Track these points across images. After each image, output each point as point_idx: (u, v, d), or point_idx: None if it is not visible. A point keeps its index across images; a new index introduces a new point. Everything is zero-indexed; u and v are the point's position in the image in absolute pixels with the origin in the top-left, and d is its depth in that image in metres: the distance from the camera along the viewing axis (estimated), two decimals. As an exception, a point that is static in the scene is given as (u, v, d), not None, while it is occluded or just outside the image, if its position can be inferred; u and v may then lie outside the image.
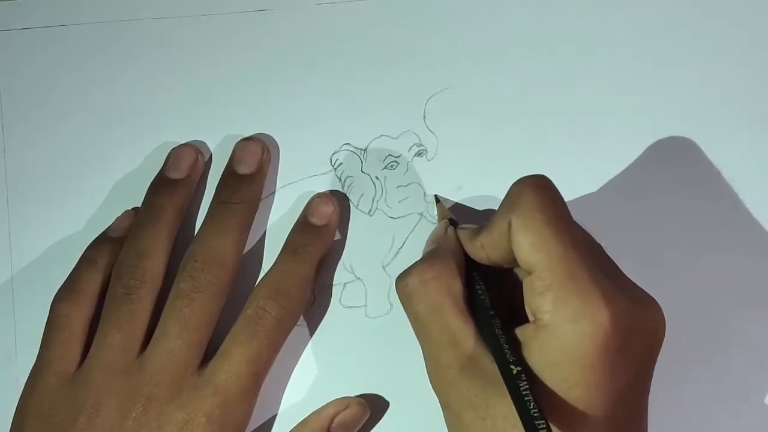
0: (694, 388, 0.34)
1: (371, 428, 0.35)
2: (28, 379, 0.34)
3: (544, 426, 0.26)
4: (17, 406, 0.34)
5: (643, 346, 0.29)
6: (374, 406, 0.35)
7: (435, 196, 0.36)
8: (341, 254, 0.37)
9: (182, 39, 0.38)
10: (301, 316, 0.36)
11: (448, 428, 0.31)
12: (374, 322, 0.36)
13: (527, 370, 0.28)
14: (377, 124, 0.37)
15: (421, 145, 0.37)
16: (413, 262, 0.35)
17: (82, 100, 0.38)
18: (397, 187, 0.37)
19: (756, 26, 0.37)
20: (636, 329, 0.28)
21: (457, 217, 0.35)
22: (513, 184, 0.30)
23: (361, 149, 0.37)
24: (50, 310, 0.35)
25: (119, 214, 0.37)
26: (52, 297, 0.35)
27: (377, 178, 0.37)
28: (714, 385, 0.35)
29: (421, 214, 0.36)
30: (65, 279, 0.35)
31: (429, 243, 0.34)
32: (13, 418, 0.34)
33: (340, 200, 0.37)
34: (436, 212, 0.36)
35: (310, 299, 0.36)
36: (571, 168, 0.36)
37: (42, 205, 0.38)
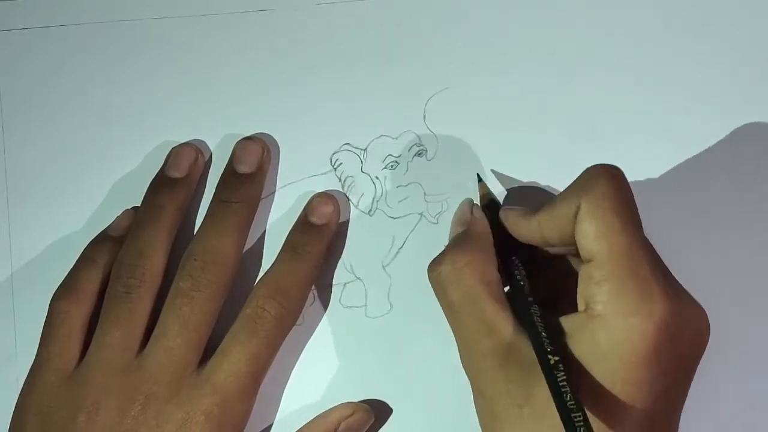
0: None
1: (372, 430, 0.35)
2: (27, 377, 0.34)
3: (581, 418, 0.25)
4: (16, 404, 0.34)
5: (689, 348, 0.29)
6: (374, 406, 0.35)
7: (477, 174, 0.36)
8: (341, 254, 0.37)
9: (182, 39, 0.38)
10: (301, 316, 0.36)
11: (477, 414, 0.31)
12: (374, 322, 0.36)
13: (572, 360, 0.28)
14: (377, 124, 0.37)
15: (421, 145, 0.37)
16: (413, 262, 0.35)
17: (82, 100, 0.38)
18: (397, 187, 0.37)
19: (756, 26, 0.37)
20: (685, 331, 0.28)
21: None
22: (586, 169, 0.30)
23: (361, 149, 0.37)
24: (49, 308, 0.35)
25: (119, 213, 0.37)
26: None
27: (377, 178, 0.37)
28: (713, 384, 0.35)
29: (421, 214, 0.36)
30: (65, 277, 0.35)
31: (455, 226, 0.34)
32: (13, 416, 0.34)
33: (340, 200, 0.37)
34: (477, 192, 0.36)
35: (310, 299, 0.36)
36: (571, 168, 0.36)
37: (42, 205, 0.38)
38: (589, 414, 0.26)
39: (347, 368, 0.36)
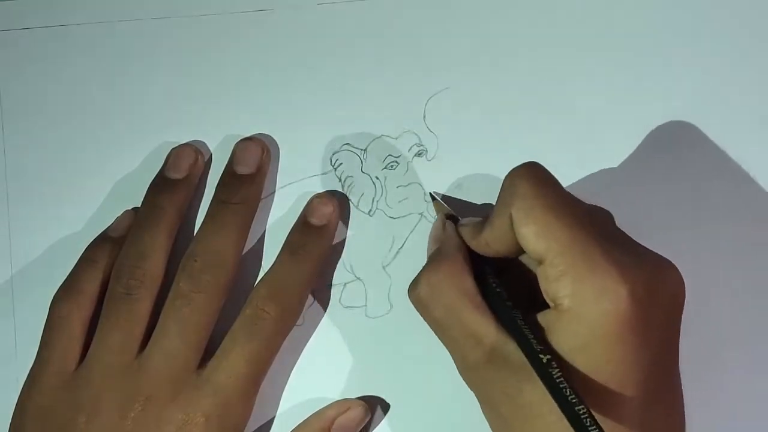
0: (694, 387, 0.33)
1: (371, 429, 0.35)
2: (27, 379, 0.34)
3: (585, 410, 0.26)
4: (16, 405, 0.34)
5: (666, 312, 0.29)
6: (374, 407, 0.35)
7: (430, 193, 0.36)
8: (341, 254, 0.37)
9: (182, 39, 0.38)
10: (301, 316, 0.36)
11: (488, 422, 0.31)
12: (374, 322, 0.36)
13: (555, 355, 0.28)
14: (377, 124, 0.37)
15: (421, 145, 0.37)
16: (414, 262, 0.35)
17: (82, 100, 0.38)
18: (397, 187, 0.37)
19: (757, 26, 0.37)
20: (657, 296, 0.28)
21: (457, 212, 0.35)
22: (506, 176, 0.30)
23: (361, 149, 0.37)
24: (49, 309, 0.35)
25: (119, 214, 0.37)
26: (52, 297, 0.35)
27: (377, 178, 0.37)
28: (714, 385, 0.35)
29: (421, 214, 0.36)
30: (65, 279, 0.35)
31: (430, 244, 0.34)
32: (12, 418, 0.34)
33: (340, 200, 0.37)
34: (434, 211, 0.36)
35: (310, 299, 0.36)
36: (571, 168, 0.36)
37: (42, 205, 0.38)
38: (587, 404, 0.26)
39: (347, 368, 0.36)
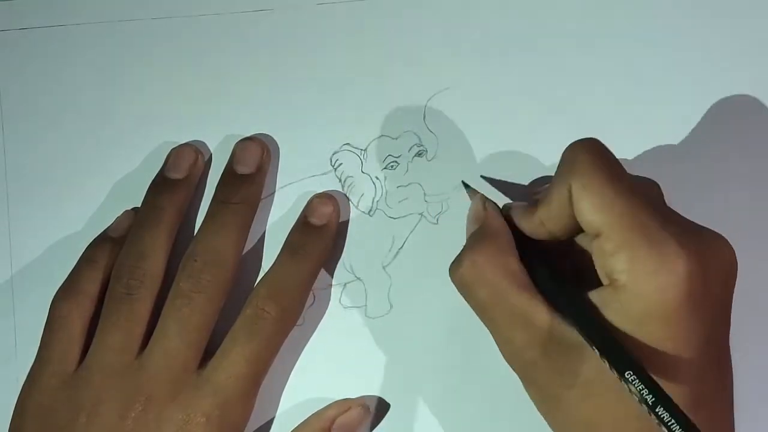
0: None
1: (371, 429, 0.35)
2: (26, 379, 0.34)
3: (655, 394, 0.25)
4: (16, 406, 0.34)
5: (720, 284, 0.29)
6: (374, 407, 0.35)
7: (462, 181, 0.36)
8: (341, 254, 0.37)
9: (182, 39, 0.38)
10: (301, 317, 0.36)
11: (536, 404, 0.31)
12: (374, 323, 0.36)
13: (613, 330, 0.28)
14: (377, 124, 0.37)
15: (421, 146, 0.37)
16: (413, 262, 0.35)
17: (82, 100, 0.38)
18: (397, 187, 0.37)
19: (757, 26, 0.37)
20: (712, 270, 0.28)
21: (455, 211, 0.35)
22: (566, 149, 0.30)
23: (361, 149, 0.37)
24: (50, 309, 0.35)
25: (119, 214, 0.37)
26: (52, 297, 0.35)
27: (377, 178, 0.37)
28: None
29: (421, 214, 0.36)
30: (65, 279, 0.35)
31: (470, 224, 0.33)
32: (12, 418, 0.34)
33: (340, 200, 0.37)
34: (467, 197, 0.36)
35: (310, 299, 0.36)
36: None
37: (42, 205, 0.38)
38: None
39: (347, 368, 0.36)
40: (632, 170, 0.36)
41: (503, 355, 0.31)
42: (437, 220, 0.36)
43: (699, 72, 0.37)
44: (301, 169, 0.37)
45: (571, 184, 0.29)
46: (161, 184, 0.36)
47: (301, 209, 0.36)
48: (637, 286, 0.27)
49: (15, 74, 0.38)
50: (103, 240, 0.36)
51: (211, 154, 0.38)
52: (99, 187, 0.38)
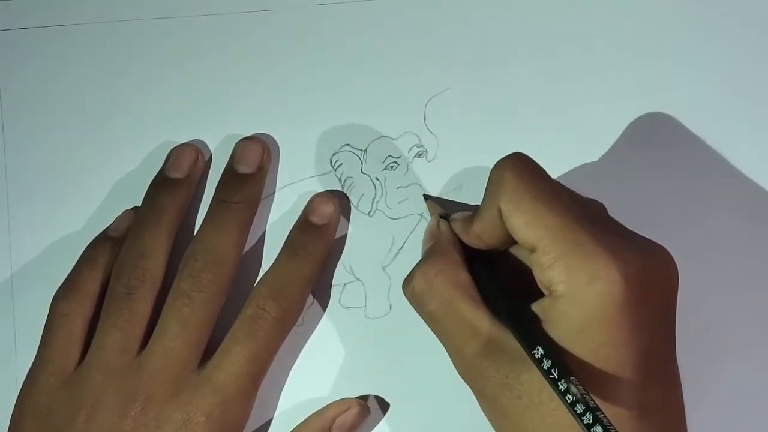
0: (693, 387, 0.34)
1: (371, 429, 0.35)
2: (26, 378, 0.34)
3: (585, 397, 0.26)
4: (15, 405, 0.34)
5: (659, 294, 0.29)
6: (374, 407, 0.35)
7: (423, 195, 0.36)
8: (341, 255, 0.37)
9: (182, 39, 0.38)
10: (301, 317, 0.36)
11: (486, 415, 0.31)
12: (374, 323, 0.36)
13: (552, 342, 0.28)
14: (377, 125, 0.37)
15: (421, 146, 0.37)
16: (414, 262, 0.35)
17: (82, 100, 0.38)
18: (397, 188, 0.37)
19: (758, 28, 0.37)
20: (650, 278, 0.28)
21: (452, 212, 0.35)
22: (492, 169, 0.30)
23: (361, 150, 0.37)
24: (50, 309, 0.35)
25: (119, 214, 0.37)
26: (52, 296, 0.35)
27: (377, 178, 0.37)
28: (714, 385, 0.35)
29: (420, 214, 0.37)
30: (65, 278, 0.35)
31: (425, 241, 0.34)
32: (12, 417, 0.34)
33: (340, 200, 0.37)
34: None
35: (310, 300, 0.36)
36: (571, 168, 0.36)
37: (42, 205, 0.38)
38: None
39: (347, 369, 0.36)
40: (632, 168, 0.36)
41: (455, 366, 0.31)
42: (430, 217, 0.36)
43: (700, 73, 0.37)
44: (301, 170, 0.37)
45: (500, 206, 0.29)
46: (161, 184, 0.36)
47: (302, 209, 0.36)
48: (575, 295, 0.28)
49: (15, 74, 0.38)
50: (103, 239, 0.36)
51: (211, 154, 0.38)
52: (99, 187, 0.38)
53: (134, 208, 0.37)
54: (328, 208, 0.36)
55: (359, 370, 0.36)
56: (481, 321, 0.30)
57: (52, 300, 0.35)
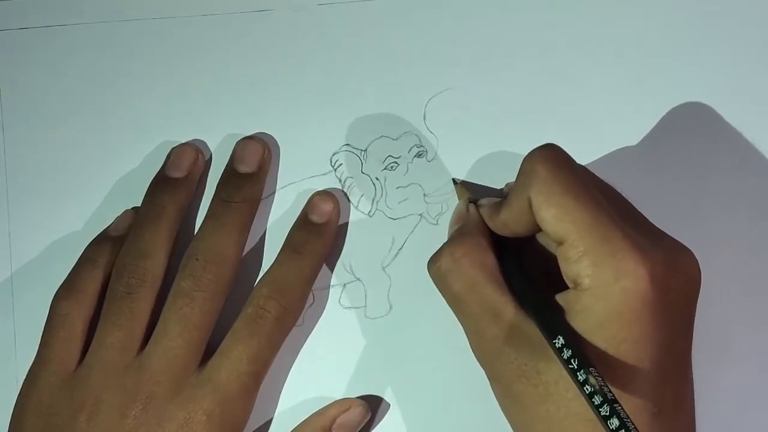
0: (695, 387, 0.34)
1: (371, 429, 0.35)
2: (26, 378, 0.34)
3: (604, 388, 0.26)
4: (15, 405, 0.34)
5: (682, 294, 0.29)
6: (374, 407, 0.35)
7: (453, 179, 0.36)
8: (341, 255, 0.37)
9: (182, 39, 0.38)
10: (301, 317, 0.36)
11: (498, 400, 0.31)
12: (374, 323, 0.36)
13: (574, 333, 0.28)
14: (377, 125, 0.37)
15: (422, 146, 0.37)
16: (414, 262, 0.35)
17: (82, 100, 0.38)
18: (397, 188, 0.37)
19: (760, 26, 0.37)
20: (674, 278, 0.29)
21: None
22: (524, 159, 0.30)
23: (361, 150, 0.37)
24: (50, 308, 0.35)
25: (119, 214, 0.37)
26: (52, 296, 0.35)
27: (377, 178, 0.37)
28: (715, 385, 0.35)
29: (420, 215, 0.37)
30: (65, 278, 0.35)
31: (452, 223, 0.34)
32: (12, 417, 0.34)
33: (340, 198, 0.37)
34: (456, 194, 0.36)
35: (310, 299, 0.36)
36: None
37: (42, 205, 0.38)
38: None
39: (347, 369, 0.36)
40: (632, 168, 0.36)
41: (473, 349, 0.32)
42: (437, 220, 0.36)
43: (700, 73, 0.37)
44: (301, 170, 0.37)
45: (530, 196, 0.29)
46: (162, 183, 0.36)
47: (301, 209, 0.36)
48: (600, 289, 0.28)
49: (15, 74, 0.38)
50: (103, 239, 0.36)
51: (211, 154, 0.38)
52: (99, 187, 0.38)
53: (135, 208, 0.37)
54: (327, 207, 0.36)
55: (359, 370, 0.36)
56: (505, 306, 0.30)
57: (53, 300, 0.35)
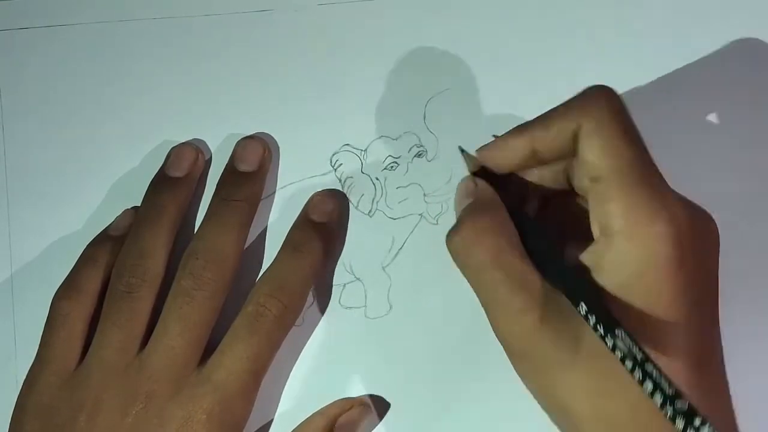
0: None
1: (371, 429, 0.35)
2: (26, 378, 0.34)
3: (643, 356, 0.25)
4: (16, 405, 0.34)
5: (708, 253, 0.29)
6: (374, 407, 0.35)
7: (459, 147, 0.35)
8: (341, 255, 0.37)
9: (182, 39, 0.38)
10: (301, 317, 0.36)
11: (524, 378, 0.30)
12: (374, 323, 0.36)
13: (601, 293, 0.28)
14: (377, 125, 0.37)
15: (421, 146, 0.37)
16: (413, 262, 0.35)
17: (82, 99, 0.38)
18: (397, 187, 0.37)
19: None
20: (701, 235, 0.28)
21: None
22: (583, 90, 0.30)
23: (361, 150, 0.37)
24: (50, 308, 0.35)
25: (119, 213, 0.37)
26: (52, 296, 0.35)
27: (377, 178, 0.37)
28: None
29: (420, 215, 0.37)
30: (65, 278, 0.35)
31: (460, 201, 0.33)
32: (12, 417, 0.34)
33: (340, 198, 0.37)
34: (464, 165, 0.35)
35: (310, 299, 0.36)
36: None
37: (42, 205, 0.38)
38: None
39: (347, 369, 0.36)
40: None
41: (495, 326, 0.30)
42: (437, 220, 0.36)
43: (700, 73, 0.37)
44: (302, 170, 0.37)
45: (582, 122, 0.29)
46: (162, 183, 0.36)
47: (301, 209, 0.36)
48: (633, 232, 0.27)
49: (15, 74, 0.38)
50: (103, 238, 0.36)
51: (211, 154, 0.38)
52: (99, 186, 0.38)
53: (135, 208, 0.37)
54: (328, 206, 0.36)
55: (359, 370, 0.36)
56: (532, 276, 0.29)
57: (53, 299, 0.35)
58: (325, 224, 0.36)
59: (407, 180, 0.37)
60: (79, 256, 0.36)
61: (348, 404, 0.35)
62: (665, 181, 0.29)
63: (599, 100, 0.29)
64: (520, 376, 0.30)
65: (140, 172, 0.37)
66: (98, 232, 0.37)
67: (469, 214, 0.31)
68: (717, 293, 0.29)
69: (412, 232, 0.37)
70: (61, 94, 0.38)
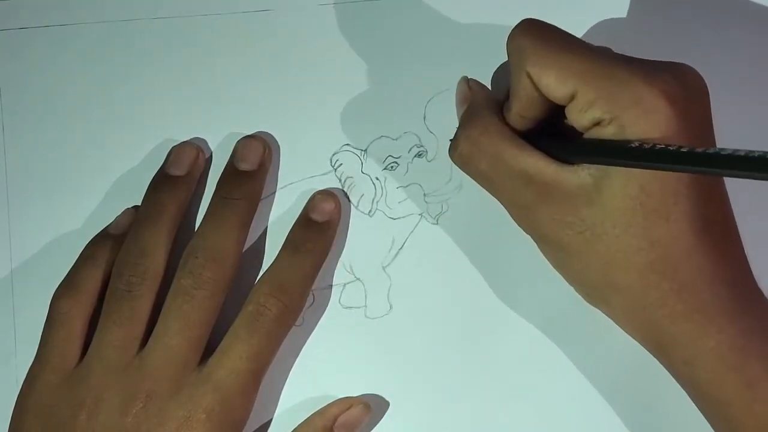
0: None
1: (371, 428, 0.35)
2: (26, 377, 0.34)
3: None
4: (16, 404, 0.34)
5: (699, 105, 0.30)
6: (374, 406, 0.35)
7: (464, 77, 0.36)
8: (341, 255, 0.37)
9: (182, 39, 0.38)
10: (301, 317, 0.36)
11: (550, 260, 0.32)
12: (374, 323, 0.36)
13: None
14: (377, 125, 0.37)
15: (422, 146, 0.37)
16: (413, 262, 0.35)
17: (82, 99, 0.38)
18: (397, 187, 0.37)
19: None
20: (687, 93, 0.29)
21: (455, 212, 0.36)
22: (507, 43, 0.31)
23: (362, 150, 0.37)
24: (50, 307, 0.35)
25: (119, 212, 0.37)
26: (52, 294, 0.35)
27: (377, 178, 0.37)
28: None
29: (420, 215, 0.37)
30: (65, 276, 0.35)
31: (459, 104, 0.35)
32: (12, 416, 0.34)
33: (341, 198, 0.37)
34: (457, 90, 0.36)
35: (310, 299, 0.36)
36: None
37: (42, 204, 0.38)
38: None
39: (347, 369, 0.36)
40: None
41: (515, 220, 0.32)
42: (437, 220, 0.36)
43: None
44: (302, 170, 0.37)
45: (528, 71, 0.30)
46: (162, 181, 0.36)
47: (302, 209, 0.36)
48: (622, 118, 0.28)
49: (15, 74, 0.38)
50: (103, 237, 0.36)
51: (211, 153, 0.38)
52: (99, 185, 0.38)
53: (135, 207, 0.37)
54: (328, 206, 0.36)
55: (359, 370, 0.36)
56: (535, 165, 0.30)
57: (52, 298, 0.35)
58: (325, 224, 0.36)
59: (407, 180, 0.37)
60: (78, 254, 0.36)
61: (348, 404, 0.35)
62: (627, 60, 0.29)
63: (523, 44, 0.30)
64: (546, 257, 0.32)
65: (140, 170, 0.37)
66: (98, 231, 0.37)
67: (463, 126, 0.33)
68: (714, 142, 0.30)
69: (412, 232, 0.37)
70: (61, 94, 0.38)
